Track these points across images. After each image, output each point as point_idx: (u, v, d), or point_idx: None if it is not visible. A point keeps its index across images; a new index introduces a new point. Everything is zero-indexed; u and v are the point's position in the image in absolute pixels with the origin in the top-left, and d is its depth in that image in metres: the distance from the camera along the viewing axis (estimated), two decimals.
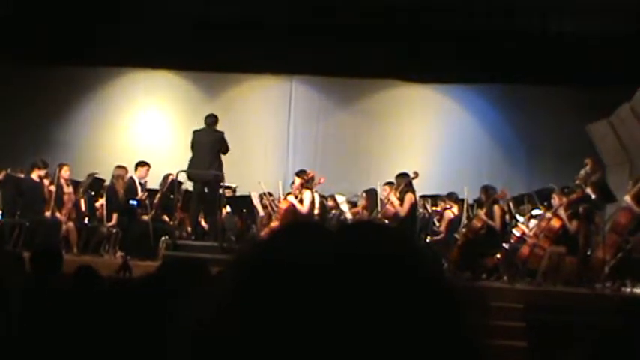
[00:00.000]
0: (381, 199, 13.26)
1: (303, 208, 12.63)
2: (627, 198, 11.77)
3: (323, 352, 0.73)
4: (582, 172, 12.76)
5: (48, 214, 12.78)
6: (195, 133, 12.88)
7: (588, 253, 12.01)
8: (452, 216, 13.40)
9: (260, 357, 0.73)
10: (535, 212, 12.92)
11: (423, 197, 14.23)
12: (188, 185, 13.55)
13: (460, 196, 13.56)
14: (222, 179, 12.80)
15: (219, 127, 12.95)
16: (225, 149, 12.77)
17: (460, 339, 0.78)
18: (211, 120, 12.93)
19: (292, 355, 0.73)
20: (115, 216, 13.25)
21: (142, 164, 13.40)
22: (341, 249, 0.79)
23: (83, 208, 13.74)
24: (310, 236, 0.83)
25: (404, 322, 0.75)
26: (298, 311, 0.74)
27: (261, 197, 14.22)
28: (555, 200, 12.21)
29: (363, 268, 0.77)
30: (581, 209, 11.92)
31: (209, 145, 12.60)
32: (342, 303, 0.74)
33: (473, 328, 0.80)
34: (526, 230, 12.48)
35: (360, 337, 0.73)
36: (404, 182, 12.59)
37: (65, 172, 13.31)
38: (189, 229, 13.46)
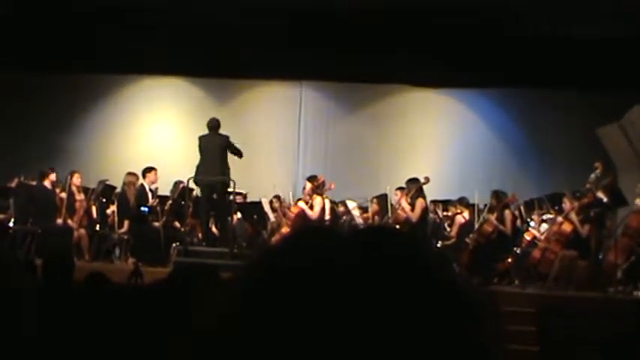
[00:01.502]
0: (392, 204, 13.26)
1: (314, 214, 12.63)
2: (639, 201, 11.72)
3: (337, 355, 0.73)
4: (593, 175, 12.72)
5: (59, 221, 12.83)
6: (201, 138, 12.73)
7: (600, 257, 11.96)
8: (463, 221, 13.37)
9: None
10: (546, 216, 12.88)
11: (434, 202, 14.21)
12: (199, 191, 13.57)
13: (471, 201, 13.54)
14: (229, 184, 12.71)
15: (229, 133, 12.88)
16: (236, 151, 12.68)
17: (475, 342, 0.78)
18: (214, 124, 12.71)
19: (305, 357, 0.73)
20: (126, 222, 13.28)
21: (149, 170, 13.38)
22: (353, 253, 0.79)
23: (94, 214, 13.77)
24: (322, 241, 0.83)
25: (418, 325, 0.75)
26: (311, 315, 0.74)
27: (271, 202, 14.24)
28: (566, 204, 12.17)
29: (375, 272, 0.77)
30: (592, 213, 11.88)
31: (216, 150, 12.49)
32: (355, 306, 0.74)
33: (488, 331, 0.80)
34: (537, 234, 12.45)
35: (374, 340, 0.73)
36: (415, 187, 12.57)
37: (76, 180, 13.35)
38: (200, 235, 13.47)
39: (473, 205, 13.41)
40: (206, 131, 12.77)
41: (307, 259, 0.79)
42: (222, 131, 12.70)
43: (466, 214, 13.41)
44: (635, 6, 14.06)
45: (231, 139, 12.61)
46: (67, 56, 16.30)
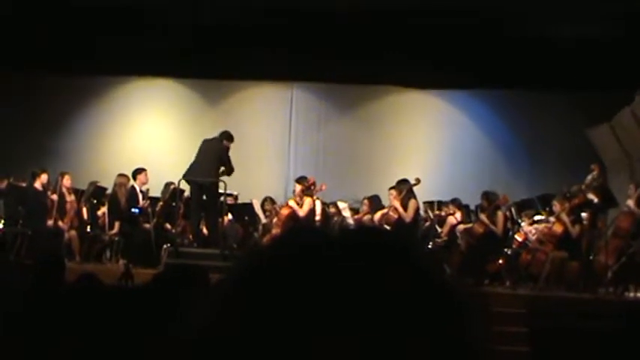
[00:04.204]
0: (383, 205, 13.30)
1: (302, 213, 12.63)
2: (630, 202, 11.75)
3: (325, 354, 0.73)
4: (589, 177, 12.74)
5: (50, 222, 12.79)
6: (204, 141, 12.81)
7: (591, 257, 11.98)
8: (455, 221, 13.38)
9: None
10: (537, 217, 12.90)
11: (426, 203, 14.22)
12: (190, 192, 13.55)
13: (462, 202, 13.57)
14: (219, 186, 12.70)
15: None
16: (227, 166, 12.58)
17: (464, 342, 0.78)
18: (223, 135, 12.73)
19: (292, 356, 0.73)
20: (117, 224, 13.25)
21: (139, 171, 13.36)
22: (341, 253, 0.79)
23: (85, 216, 13.75)
24: (311, 240, 0.83)
25: (406, 325, 0.75)
26: (300, 314, 0.74)
27: (262, 203, 14.24)
28: (557, 205, 12.18)
29: (363, 273, 0.77)
30: (583, 214, 11.91)
31: (213, 154, 12.53)
32: (344, 306, 0.74)
33: (476, 332, 0.80)
34: (528, 235, 12.47)
35: (360, 339, 0.73)
36: (406, 188, 12.58)
37: (67, 181, 13.33)
38: (191, 236, 13.46)
39: (465, 206, 13.43)
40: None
41: (294, 260, 0.78)
42: (216, 136, 12.77)
43: (458, 215, 13.44)
44: (624, 7, 14.10)
45: (230, 154, 12.58)
46: (59, 58, 16.25)
